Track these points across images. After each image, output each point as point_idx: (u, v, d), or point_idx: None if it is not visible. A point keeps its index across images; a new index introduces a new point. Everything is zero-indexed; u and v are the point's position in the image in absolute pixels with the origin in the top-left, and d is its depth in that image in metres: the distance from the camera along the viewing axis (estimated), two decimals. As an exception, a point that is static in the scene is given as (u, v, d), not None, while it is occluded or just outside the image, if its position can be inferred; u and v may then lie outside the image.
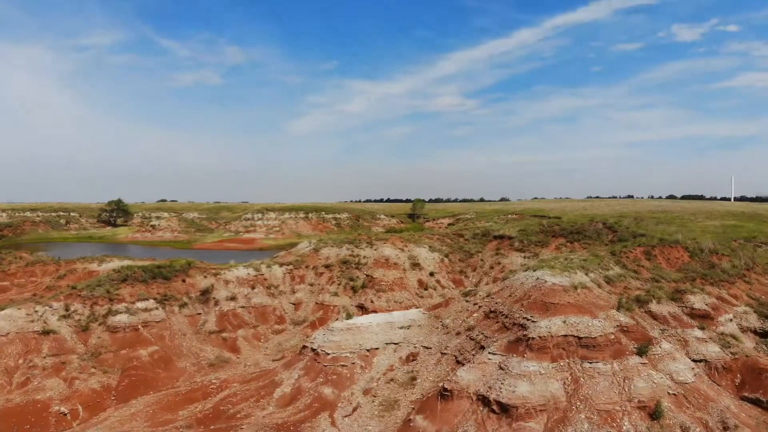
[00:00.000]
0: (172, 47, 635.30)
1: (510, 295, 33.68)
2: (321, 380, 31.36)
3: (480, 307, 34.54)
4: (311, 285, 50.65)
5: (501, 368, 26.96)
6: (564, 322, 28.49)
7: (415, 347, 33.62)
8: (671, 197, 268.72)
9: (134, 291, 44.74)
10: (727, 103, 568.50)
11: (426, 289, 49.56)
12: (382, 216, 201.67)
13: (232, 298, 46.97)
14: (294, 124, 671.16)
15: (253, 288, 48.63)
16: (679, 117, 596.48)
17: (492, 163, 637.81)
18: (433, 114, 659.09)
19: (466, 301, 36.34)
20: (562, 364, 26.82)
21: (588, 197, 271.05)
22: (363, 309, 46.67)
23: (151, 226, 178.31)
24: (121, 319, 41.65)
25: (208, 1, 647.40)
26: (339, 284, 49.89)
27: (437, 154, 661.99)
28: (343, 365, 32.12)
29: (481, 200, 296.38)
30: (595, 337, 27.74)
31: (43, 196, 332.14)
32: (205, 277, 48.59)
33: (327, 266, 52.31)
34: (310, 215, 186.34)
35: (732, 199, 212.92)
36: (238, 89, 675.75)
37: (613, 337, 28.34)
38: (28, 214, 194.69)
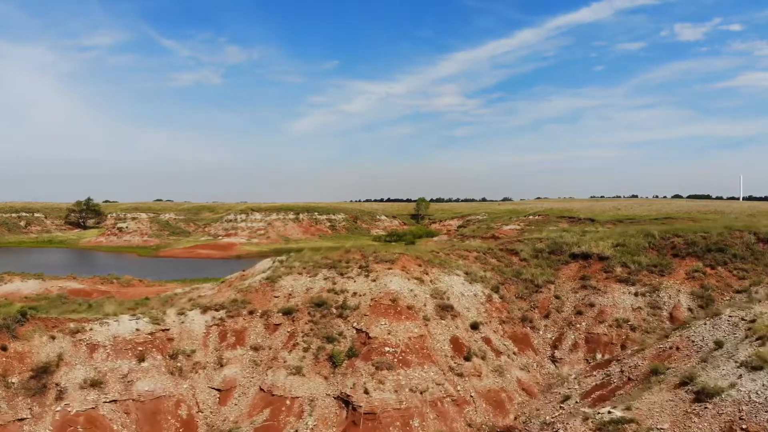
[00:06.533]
0: (173, 47, 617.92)
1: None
2: None
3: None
4: (255, 350, 27.50)
5: None
6: None
7: None
8: (677, 197, 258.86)
9: None
10: (728, 103, 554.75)
11: (468, 359, 26.53)
12: (383, 217, 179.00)
13: (96, 384, 23.92)
14: (295, 125, 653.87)
15: (141, 360, 25.57)
16: (681, 117, 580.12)
17: (493, 163, 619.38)
18: (434, 114, 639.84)
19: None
20: None
21: (592, 197, 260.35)
22: (349, 408, 23.64)
23: (118, 228, 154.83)
24: None
25: (208, 1, 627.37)
26: (306, 350, 26.79)
27: (438, 154, 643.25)
28: None
29: (483, 200, 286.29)
30: None
31: (42, 196, 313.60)
32: (53, 338, 25.55)
33: (287, 312, 29.16)
34: (300, 216, 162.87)
35: (741, 199, 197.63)
36: (239, 89, 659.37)
37: None
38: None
